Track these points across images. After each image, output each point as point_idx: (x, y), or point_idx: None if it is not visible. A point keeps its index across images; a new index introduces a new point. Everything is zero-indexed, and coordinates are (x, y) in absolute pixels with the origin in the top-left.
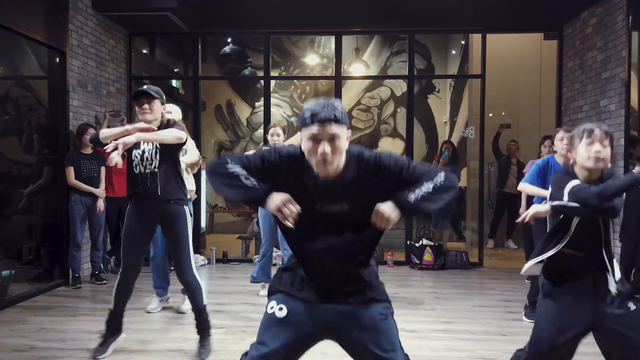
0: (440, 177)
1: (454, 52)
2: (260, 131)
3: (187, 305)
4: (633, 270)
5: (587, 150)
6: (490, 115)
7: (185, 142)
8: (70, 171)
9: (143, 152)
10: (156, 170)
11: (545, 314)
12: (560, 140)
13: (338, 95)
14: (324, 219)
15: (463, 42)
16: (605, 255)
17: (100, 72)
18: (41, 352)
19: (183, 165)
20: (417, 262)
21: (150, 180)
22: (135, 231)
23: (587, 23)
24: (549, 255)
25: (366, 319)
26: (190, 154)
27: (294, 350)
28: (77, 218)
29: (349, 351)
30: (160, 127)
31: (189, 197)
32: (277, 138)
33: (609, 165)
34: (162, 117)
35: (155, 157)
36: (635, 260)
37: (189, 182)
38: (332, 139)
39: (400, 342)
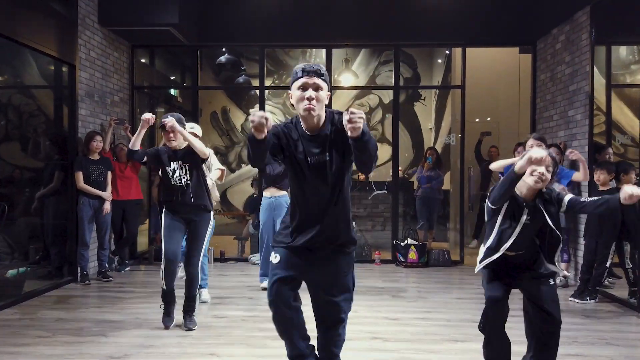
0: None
1: (439, 61)
2: None
3: (206, 296)
4: (595, 265)
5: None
6: (477, 120)
7: (207, 159)
8: (79, 176)
9: (174, 170)
10: (189, 182)
11: (489, 282)
12: (531, 147)
13: (329, 105)
14: (312, 168)
15: (447, 52)
16: (541, 253)
17: (106, 83)
18: (63, 338)
19: (209, 182)
20: (403, 260)
21: (184, 191)
22: (172, 225)
23: (557, 39)
24: (493, 259)
25: (332, 266)
26: (214, 171)
27: (288, 283)
28: (85, 219)
29: (310, 292)
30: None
31: (214, 203)
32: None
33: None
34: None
35: (185, 173)
36: (596, 256)
37: (214, 191)
38: (316, 89)
39: (352, 292)
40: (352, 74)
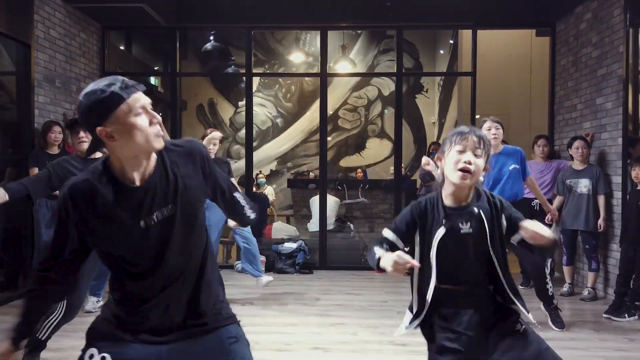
0: None
1: (442, 51)
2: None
3: None
4: (633, 276)
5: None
6: (477, 117)
7: None
8: (35, 172)
9: None
10: None
11: None
12: (488, 129)
13: (323, 93)
14: None
15: (451, 42)
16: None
17: (70, 67)
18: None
19: None
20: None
21: None
22: None
23: (581, 19)
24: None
25: (214, 348)
26: None
27: None
28: (42, 222)
29: None
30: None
31: None
32: (212, 147)
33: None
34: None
35: None
36: (635, 265)
37: None
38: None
39: None
40: (349, 61)
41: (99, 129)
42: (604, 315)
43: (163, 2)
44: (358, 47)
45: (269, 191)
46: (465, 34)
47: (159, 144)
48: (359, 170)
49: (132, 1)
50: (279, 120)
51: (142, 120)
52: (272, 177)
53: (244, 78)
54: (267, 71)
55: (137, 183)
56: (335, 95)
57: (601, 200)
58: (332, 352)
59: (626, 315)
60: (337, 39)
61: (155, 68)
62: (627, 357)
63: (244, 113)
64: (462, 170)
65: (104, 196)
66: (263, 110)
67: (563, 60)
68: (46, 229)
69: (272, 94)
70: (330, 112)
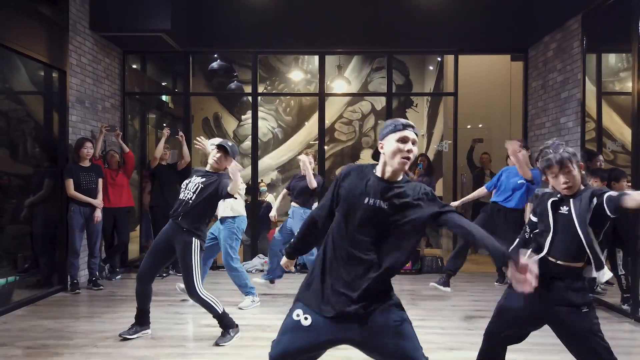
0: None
1: (431, 68)
2: (247, 143)
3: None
4: None
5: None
6: (469, 127)
7: (230, 197)
8: (70, 183)
9: (189, 182)
10: (189, 201)
11: (508, 302)
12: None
13: (321, 109)
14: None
15: (439, 59)
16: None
17: (97, 89)
18: (53, 349)
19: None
20: None
21: (181, 207)
22: (157, 244)
23: (548, 47)
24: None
25: (382, 326)
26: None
27: (312, 350)
28: (76, 227)
29: (371, 355)
30: (219, 174)
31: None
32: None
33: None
34: (225, 169)
35: (195, 192)
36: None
37: (240, 206)
38: (414, 144)
39: (420, 346)
40: (344, 80)
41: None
42: None
43: (179, 31)
44: (353, 65)
45: (270, 198)
46: (449, 58)
47: None
48: None
49: (153, 31)
50: (279, 133)
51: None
52: (273, 185)
53: (250, 98)
54: (268, 87)
55: None
56: (332, 109)
57: None
58: None
59: None
60: (333, 59)
61: (163, 84)
62: None
63: (246, 126)
64: None
65: None
66: (264, 124)
67: (534, 83)
68: (79, 233)
69: (273, 109)
70: (327, 125)
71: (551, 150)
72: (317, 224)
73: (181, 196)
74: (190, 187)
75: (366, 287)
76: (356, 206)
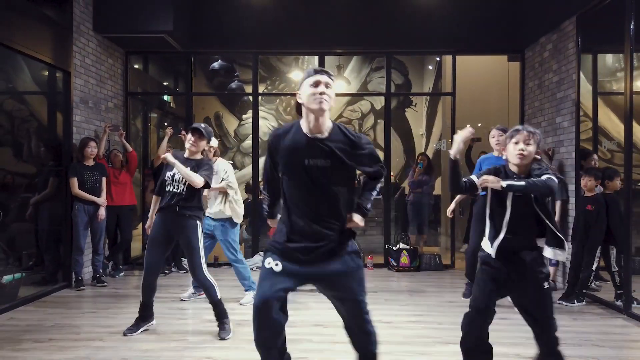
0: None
1: (430, 67)
2: (248, 142)
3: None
4: (581, 269)
5: (514, 148)
6: (467, 126)
7: (202, 187)
8: (74, 182)
9: (174, 174)
10: (183, 193)
11: (481, 279)
12: (492, 137)
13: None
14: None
15: (438, 59)
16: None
17: (100, 89)
18: (59, 343)
19: (233, 194)
20: (395, 264)
21: (174, 199)
22: (155, 238)
23: (544, 48)
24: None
25: (340, 270)
26: (223, 184)
27: (286, 291)
28: (80, 225)
29: (327, 294)
30: (197, 161)
31: (237, 221)
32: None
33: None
34: (202, 152)
35: (183, 182)
36: (583, 259)
37: (239, 205)
38: (327, 86)
39: (366, 292)
40: (344, 80)
41: None
42: (557, 301)
43: (181, 32)
44: (352, 65)
45: None
46: (447, 59)
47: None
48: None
49: (156, 32)
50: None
51: None
52: None
53: (251, 98)
54: (269, 87)
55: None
56: (332, 109)
57: (557, 205)
58: (330, 328)
59: (575, 301)
60: (333, 59)
61: (165, 84)
62: (567, 330)
63: (247, 125)
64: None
65: None
66: (265, 123)
67: (530, 83)
68: (83, 231)
69: (274, 108)
70: None
71: (524, 126)
72: (272, 182)
73: (171, 189)
74: (177, 179)
75: (325, 233)
76: (297, 167)
